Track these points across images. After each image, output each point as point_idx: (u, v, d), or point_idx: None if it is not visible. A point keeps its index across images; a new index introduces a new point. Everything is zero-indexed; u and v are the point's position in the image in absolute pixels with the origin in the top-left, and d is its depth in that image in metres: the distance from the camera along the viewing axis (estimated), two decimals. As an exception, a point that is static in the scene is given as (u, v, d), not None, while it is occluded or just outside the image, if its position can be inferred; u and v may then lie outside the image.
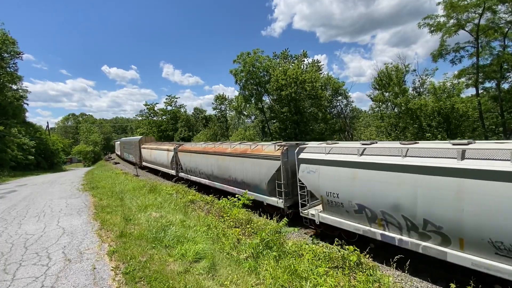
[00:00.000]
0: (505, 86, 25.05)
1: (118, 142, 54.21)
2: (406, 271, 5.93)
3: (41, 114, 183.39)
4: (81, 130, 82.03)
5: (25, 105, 38.29)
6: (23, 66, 79.37)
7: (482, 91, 26.05)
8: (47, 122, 55.41)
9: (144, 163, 28.39)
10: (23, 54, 33.99)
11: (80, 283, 4.30)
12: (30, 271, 4.80)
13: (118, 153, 52.47)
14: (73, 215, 8.50)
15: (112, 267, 4.75)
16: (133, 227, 6.84)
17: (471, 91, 27.21)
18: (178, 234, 6.09)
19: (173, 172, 19.74)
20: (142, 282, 4.25)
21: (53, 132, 74.01)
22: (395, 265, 5.43)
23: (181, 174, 18.24)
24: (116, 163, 42.00)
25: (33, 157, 32.28)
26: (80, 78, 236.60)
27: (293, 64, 36.89)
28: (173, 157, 19.28)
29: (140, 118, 65.34)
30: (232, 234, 6.51)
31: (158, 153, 22.83)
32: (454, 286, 4.67)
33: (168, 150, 20.44)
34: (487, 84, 26.31)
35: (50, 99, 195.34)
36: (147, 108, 61.04)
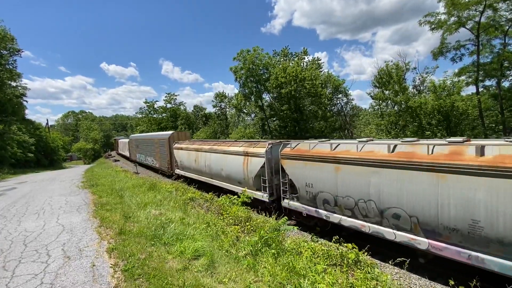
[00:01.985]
0: (506, 84, 25.00)
1: (126, 140, 42.06)
2: (404, 269, 5.95)
3: (41, 111, 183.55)
4: (81, 127, 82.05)
5: (25, 102, 38.29)
6: (22, 62, 79.28)
7: (482, 89, 26.00)
8: (47, 120, 55.07)
9: (178, 171, 18.50)
10: (22, 51, 33.96)
11: (79, 280, 4.31)
12: (30, 268, 4.82)
13: (125, 153, 41.23)
14: (72, 212, 8.52)
15: (111, 264, 4.76)
16: (133, 224, 6.85)
17: (471, 89, 27.19)
18: (177, 231, 6.11)
19: (263, 195, 10.50)
20: (141, 279, 4.26)
21: (52, 129, 73.92)
22: (393, 263, 5.45)
23: (295, 205, 9.11)
24: (116, 160, 41.98)
25: (33, 155, 32.28)
26: (79, 75, 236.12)
27: (293, 62, 36.79)
28: (262, 167, 10.36)
29: (140, 115, 65.22)
30: (231, 231, 6.53)
31: (218, 159, 13.21)
32: (453, 283, 4.70)
33: (247, 154, 11.20)
34: (488, 82, 26.26)
35: (49, 96, 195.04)
36: (147, 105, 60.91)
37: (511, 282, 4.63)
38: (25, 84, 37.31)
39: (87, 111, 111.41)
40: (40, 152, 36.08)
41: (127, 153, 38.85)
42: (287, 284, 4.17)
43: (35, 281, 4.35)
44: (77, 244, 5.78)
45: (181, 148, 17.86)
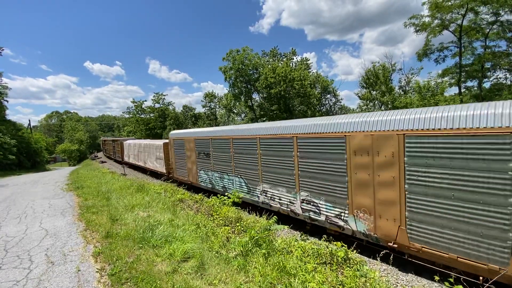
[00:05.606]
0: (487, 85, 25.96)
1: (156, 142, 19.76)
2: (391, 265, 6.07)
3: (22, 112, 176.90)
4: (65, 128, 79.62)
5: (5, 102, 36.85)
6: (1, 60, 76.09)
7: (464, 90, 26.89)
8: (29, 120, 53.16)
9: None
10: (2, 49, 32.71)
11: (63, 286, 4.17)
12: (11, 274, 4.63)
13: (153, 165, 19.94)
14: (56, 216, 8.25)
15: (97, 268, 4.64)
16: (120, 227, 6.70)
17: (454, 89, 28.08)
18: (166, 233, 6.01)
19: None
20: (128, 283, 4.17)
21: (35, 130, 71.50)
22: (380, 260, 5.55)
23: None
24: (102, 162, 40.97)
25: (14, 157, 31.06)
26: (62, 74, 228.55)
27: (282, 62, 36.98)
28: None
29: (127, 115, 63.88)
30: (221, 232, 6.48)
31: None
32: (438, 278, 4.84)
33: None
34: (469, 83, 27.19)
35: (31, 95, 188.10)
36: (135, 105, 59.78)
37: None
38: (5, 83, 35.94)
39: (71, 111, 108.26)
40: (22, 154, 34.74)
41: (159, 167, 18.81)
42: (277, 283, 4.17)
43: (16, 288, 4.18)
44: (61, 249, 5.60)
45: None
